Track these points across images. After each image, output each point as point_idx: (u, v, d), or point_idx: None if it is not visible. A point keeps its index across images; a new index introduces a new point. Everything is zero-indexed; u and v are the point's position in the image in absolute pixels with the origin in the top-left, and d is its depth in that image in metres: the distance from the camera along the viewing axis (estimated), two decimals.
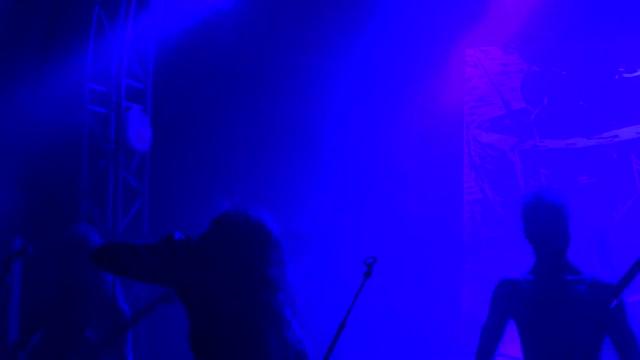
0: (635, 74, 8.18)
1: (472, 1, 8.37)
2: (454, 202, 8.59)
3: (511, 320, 4.62)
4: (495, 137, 8.62)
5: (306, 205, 8.26)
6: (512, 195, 8.47)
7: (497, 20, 8.39)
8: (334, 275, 7.95)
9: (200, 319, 3.89)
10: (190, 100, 8.69)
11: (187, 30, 8.30)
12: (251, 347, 3.84)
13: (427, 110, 8.59)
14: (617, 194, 8.13)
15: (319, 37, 8.46)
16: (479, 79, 8.71)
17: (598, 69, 8.27)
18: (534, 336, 4.56)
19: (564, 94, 8.38)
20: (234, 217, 4.04)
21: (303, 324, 4.06)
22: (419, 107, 8.60)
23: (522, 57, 8.56)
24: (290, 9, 8.48)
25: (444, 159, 8.57)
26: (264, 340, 3.85)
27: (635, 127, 8.16)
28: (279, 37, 8.54)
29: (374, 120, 8.65)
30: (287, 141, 8.44)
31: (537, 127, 8.45)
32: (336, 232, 8.29)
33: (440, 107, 8.59)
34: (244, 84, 8.62)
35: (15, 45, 7.63)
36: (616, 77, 8.22)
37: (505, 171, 8.56)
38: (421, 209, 8.46)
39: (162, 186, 8.46)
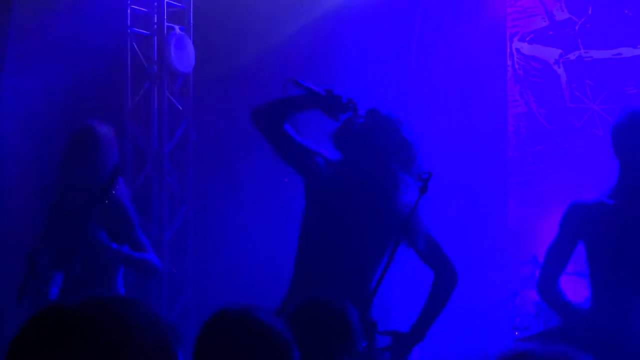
0: None
1: None
2: (498, 116, 8.55)
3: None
4: (539, 49, 8.53)
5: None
6: (557, 107, 8.43)
7: None
8: None
9: None
10: (231, 19, 8.64)
11: None
12: None
13: (469, 22, 8.50)
14: None
15: None
16: None
17: None
18: (604, 262, 4.42)
19: (609, 3, 8.25)
20: None
21: None
22: (461, 20, 8.52)
23: None
24: None
25: (488, 73, 8.50)
26: None
27: None
28: None
29: (416, 36, 8.59)
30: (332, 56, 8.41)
31: (582, 37, 8.34)
32: None
33: (483, 20, 8.50)
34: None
35: None
36: None
37: (549, 83, 8.48)
38: (465, 124, 8.43)
39: (206, 107, 8.48)
